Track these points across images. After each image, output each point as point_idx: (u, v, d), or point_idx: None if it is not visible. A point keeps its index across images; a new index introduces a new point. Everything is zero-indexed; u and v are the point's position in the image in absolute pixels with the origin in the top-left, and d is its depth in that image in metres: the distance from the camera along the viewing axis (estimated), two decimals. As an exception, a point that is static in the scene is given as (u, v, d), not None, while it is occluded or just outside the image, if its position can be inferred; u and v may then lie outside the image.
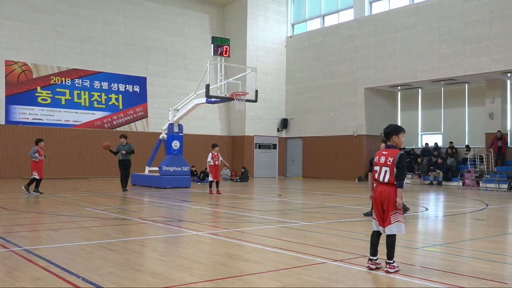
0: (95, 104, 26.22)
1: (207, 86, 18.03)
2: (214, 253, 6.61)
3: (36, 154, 15.06)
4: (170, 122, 20.04)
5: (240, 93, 18.72)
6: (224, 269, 5.65)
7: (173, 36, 29.19)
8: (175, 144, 19.82)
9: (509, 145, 23.29)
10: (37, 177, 15.13)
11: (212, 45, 18.87)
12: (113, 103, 26.83)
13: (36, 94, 24.53)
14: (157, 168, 20.13)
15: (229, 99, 18.86)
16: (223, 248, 6.97)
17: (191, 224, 9.47)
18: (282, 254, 6.49)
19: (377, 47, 26.56)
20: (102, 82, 26.48)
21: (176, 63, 29.10)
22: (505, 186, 20.94)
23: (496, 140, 23.06)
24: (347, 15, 29.10)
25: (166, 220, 10.05)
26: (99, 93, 26.36)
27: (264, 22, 30.96)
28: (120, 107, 27.03)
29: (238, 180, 25.62)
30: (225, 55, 19.04)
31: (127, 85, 27.35)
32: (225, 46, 19.02)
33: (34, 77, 24.52)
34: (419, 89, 27.54)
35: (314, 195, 17.24)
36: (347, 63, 28.07)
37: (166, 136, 20.12)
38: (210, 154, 16.44)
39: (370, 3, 27.91)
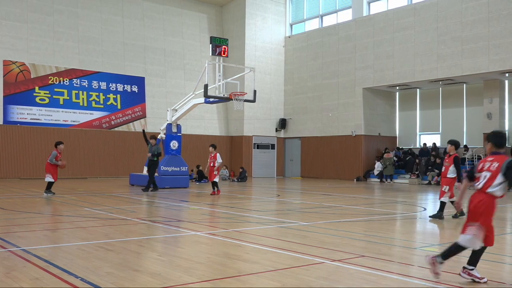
0: (93, 104, 26.21)
1: (206, 86, 18.03)
2: (213, 253, 6.62)
3: (54, 159, 14.65)
4: (168, 122, 20.04)
5: (238, 93, 18.72)
6: (223, 269, 5.65)
7: (171, 36, 29.18)
8: (174, 144, 19.82)
9: (507, 145, 23.29)
10: (51, 180, 14.80)
11: (211, 45, 18.87)
12: (111, 103, 26.82)
13: (34, 94, 24.50)
14: (155, 168, 20.11)
15: (228, 99, 18.86)
16: (221, 248, 6.98)
17: (190, 224, 9.47)
18: (280, 254, 6.50)
19: (375, 47, 26.59)
20: (100, 82, 26.46)
21: (174, 63, 29.09)
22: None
23: (494, 140, 23.05)
24: (346, 15, 29.12)
25: (164, 220, 10.05)
26: (97, 93, 26.34)
27: (263, 22, 30.97)
28: (119, 107, 27.01)
29: (236, 180, 25.63)
30: (223, 55, 19.03)
31: (125, 85, 27.34)
32: (223, 46, 19.01)
33: (32, 77, 24.49)
34: (417, 89, 27.57)
35: (312, 195, 17.25)
36: (346, 63, 28.10)
37: (164, 136, 20.11)
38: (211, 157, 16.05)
39: (369, 3, 27.93)
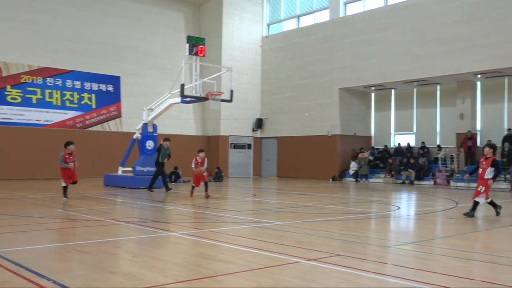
0: (67, 104, 25.79)
1: (182, 86, 17.91)
2: (188, 254, 6.57)
3: (63, 163, 13.59)
4: (144, 122, 19.84)
5: (215, 93, 18.66)
6: (198, 269, 5.61)
7: (147, 35, 28.91)
8: (149, 144, 19.64)
9: (478, 145, 23.78)
10: (63, 184, 13.85)
11: (188, 44, 18.76)
12: (86, 102, 26.43)
13: (6, 93, 23.97)
14: (130, 169, 19.90)
15: (204, 98, 18.78)
16: (197, 249, 6.93)
17: (165, 224, 9.39)
18: (256, 254, 6.48)
19: (352, 48, 26.81)
20: (74, 81, 26.06)
21: (150, 63, 28.83)
22: (474, 185, 21.35)
23: (467, 140, 23.54)
24: (323, 16, 29.30)
25: (139, 221, 9.94)
26: (71, 92, 25.93)
27: (240, 22, 30.94)
28: (93, 106, 26.64)
29: (212, 180, 25.52)
30: (200, 55, 18.95)
31: (100, 84, 26.97)
32: (200, 46, 18.94)
33: (3, 75, 23.95)
34: (392, 90, 27.91)
35: (288, 195, 17.29)
36: (323, 63, 28.26)
37: (140, 136, 19.91)
38: (194, 160, 14.74)
39: (345, 4, 28.16)
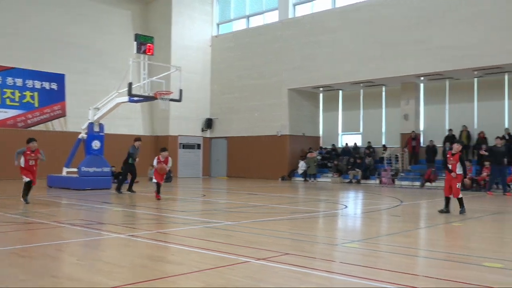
0: (8, 102, 24.73)
1: (130, 85, 17.57)
2: (136, 256, 6.44)
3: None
4: (90, 121, 19.32)
5: (164, 92, 18.42)
6: (147, 271, 5.51)
7: (94, 32, 28.15)
8: (95, 144, 19.13)
9: (422, 145, 24.67)
10: (26, 179, 12.63)
11: (135, 42, 18.43)
12: (28, 100, 25.45)
13: None
14: (75, 169, 19.32)
15: (153, 98, 18.50)
16: (145, 250, 6.81)
17: (112, 226, 9.17)
18: (206, 254, 6.45)
19: (301, 49, 27.16)
20: (15, 79, 25.02)
21: (97, 60, 28.09)
22: (418, 183, 22.16)
23: (411, 140, 24.37)
24: (272, 17, 29.52)
25: (85, 223, 9.67)
26: (12, 90, 24.88)
27: (189, 20, 30.69)
28: (36, 105, 25.68)
29: (162, 180, 25.15)
30: (148, 53, 18.66)
31: (44, 82, 26.03)
32: (148, 44, 18.65)
33: None
34: (340, 91, 28.49)
35: (238, 195, 17.31)
36: (272, 64, 28.47)
37: (85, 135, 19.36)
38: (156, 158, 14.18)
39: (294, 5, 28.49)
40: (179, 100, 19.40)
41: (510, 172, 19.27)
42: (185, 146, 30.49)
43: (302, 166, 26.75)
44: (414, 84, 25.01)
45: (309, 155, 26.75)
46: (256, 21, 30.60)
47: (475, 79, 23.67)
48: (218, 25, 32.20)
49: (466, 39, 21.19)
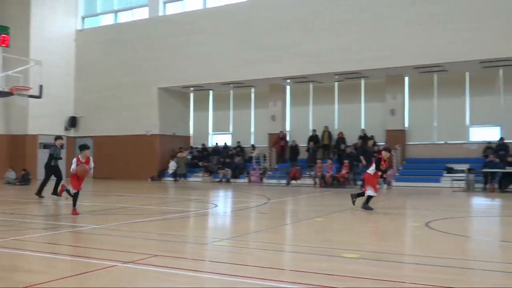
0: None
1: (-19, 78, 15.98)
2: (-13, 266, 5.84)
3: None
4: None
5: (21, 87, 17.04)
6: (3, 284, 5.02)
7: None
8: None
9: (290, 144, 25.82)
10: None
11: (-13, 32, 16.81)
12: None
13: None
14: None
15: (9, 93, 17.04)
16: (-2, 260, 6.21)
17: (-41, 235, 8.23)
18: (69, 260, 6.07)
19: (172, 48, 26.87)
20: None
21: None
22: (284, 181, 23.16)
23: (280, 140, 25.40)
24: (142, 13, 28.82)
25: None
26: None
27: (51, 12, 28.72)
28: None
29: (18, 183, 23.22)
30: (3, 45, 17.13)
31: None
32: (3, 35, 17.14)
33: None
34: (210, 91, 28.73)
35: (104, 197, 16.61)
36: (142, 62, 27.76)
37: None
38: (75, 159, 11.32)
39: (164, 3, 28.11)
40: (39, 97, 18.10)
41: (364, 170, 20.93)
42: (46, 146, 28.43)
43: (172, 166, 26.50)
44: (281, 86, 26.10)
45: (179, 154, 26.58)
46: (125, 17, 29.63)
47: (336, 83, 25.38)
48: (83, 18, 30.59)
49: (329, 45, 22.63)
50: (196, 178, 26.33)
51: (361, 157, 18.59)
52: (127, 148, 28.23)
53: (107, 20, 30.22)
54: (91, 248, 6.83)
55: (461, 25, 20.07)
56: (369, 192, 11.61)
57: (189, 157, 27.27)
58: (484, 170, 18.79)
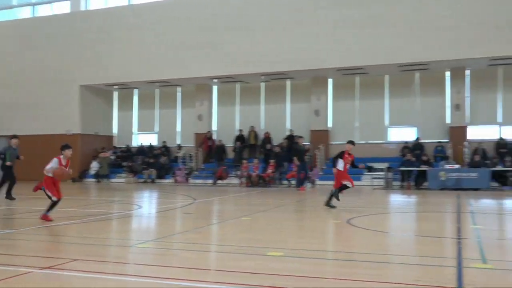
0: None
1: None
2: None
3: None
4: None
5: None
6: None
7: None
8: None
9: (216, 144, 25.77)
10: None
11: None
12: None
13: None
14: None
15: None
16: None
17: None
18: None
19: (95, 45, 25.96)
20: None
21: None
22: (211, 181, 23.08)
23: (207, 140, 25.28)
24: (63, 7, 27.61)
25: None
26: None
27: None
28: None
29: None
30: None
31: None
32: None
33: None
34: (135, 90, 28.07)
35: (20, 200, 15.72)
36: (63, 58, 26.59)
37: None
38: (57, 160, 9.80)
39: (86, -3, 27.14)
40: None
41: (290, 169, 21.33)
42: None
43: (94, 166, 25.62)
44: (208, 86, 26.00)
45: (102, 154, 25.75)
46: (44, 10, 28.25)
47: (263, 84, 25.66)
48: (-4, 10, 28.87)
49: (255, 46, 22.82)
50: (120, 179, 25.62)
51: (295, 158, 18.88)
52: (46, 148, 26.82)
53: (24, 12, 28.67)
54: (4, 254, 6.42)
55: (381, 30, 20.99)
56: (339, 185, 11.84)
57: (112, 157, 26.49)
58: (402, 168, 19.76)
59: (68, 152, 9.87)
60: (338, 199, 11.80)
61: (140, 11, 25.36)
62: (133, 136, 28.59)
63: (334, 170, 11.96)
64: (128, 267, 5.87)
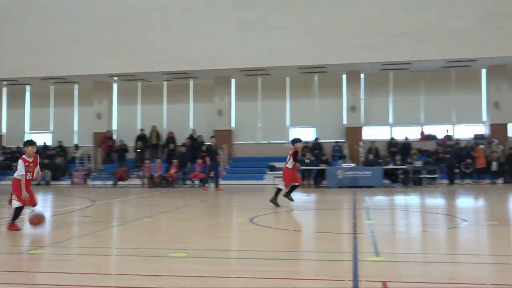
0: None
1: None
2: None
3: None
4: None
5: None
6: None
7: None
8: None
9: (116, 143, 24.91)
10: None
11: None
12: None
13: None
14: None
15: None
16: None
17: None
18: None
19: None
20: None
21: None
22: (111, 182, 22.28)
23: (107, 140, 24.35)
24: None
25: None
26: None
27: None
28: None
29: None
30: None
31: None
32: None
33: None
34: (27, 86, 26.36)
35: None
36: None
37: None
38: (21, 161, 8.45)
39: (-30, -15, 24.97)
40: None
41: (193, 169, 21.21)
42: None
43: (-20, 168, 23.66)
44: (107, 84, 25.08)
45: (-11, 155, 23.86)
46: None
47: (165, 83, 25.25)
48: None
49: (157, 44, 22.39)
50: (9, 181, 23.84)
51: (207, 158, 18.70)
52: None
53: None
54: None
55: (282, 33, 21.52)
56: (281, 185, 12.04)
57: (1, 158, 24.64)
58: (302, 167, 20.41)
59: (31, 149, 8.56)
60: (292, 200, 12.25)
61: (31, 2, 23.81)
62: (25, 135, 26.78)
63: (285, 169, 12.24)
64: (19, 275, 5.47)
